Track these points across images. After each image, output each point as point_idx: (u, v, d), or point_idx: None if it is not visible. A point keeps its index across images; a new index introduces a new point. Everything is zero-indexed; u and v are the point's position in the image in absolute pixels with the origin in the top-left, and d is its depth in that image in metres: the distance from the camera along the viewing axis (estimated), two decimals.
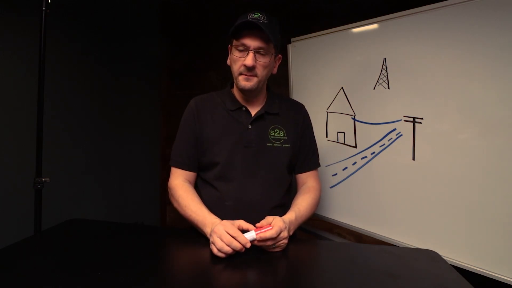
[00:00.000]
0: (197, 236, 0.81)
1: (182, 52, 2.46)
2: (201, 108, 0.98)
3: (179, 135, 0.99)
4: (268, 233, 0.72)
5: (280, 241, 0.75)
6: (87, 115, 1.83)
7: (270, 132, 0.95)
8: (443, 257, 0.76)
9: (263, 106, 0.98)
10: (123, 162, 2.15)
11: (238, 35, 0.87)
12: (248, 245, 0.71)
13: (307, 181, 1.02)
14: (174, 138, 1.00)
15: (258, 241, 0.73)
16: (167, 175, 0.98)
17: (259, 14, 0.87)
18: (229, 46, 0.93)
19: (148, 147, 2.40)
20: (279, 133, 0.96)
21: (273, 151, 0.94)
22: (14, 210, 1.38)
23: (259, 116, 0.95)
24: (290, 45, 1.52)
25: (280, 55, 0.97)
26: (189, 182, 0.96)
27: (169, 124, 2.50)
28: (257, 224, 0.77)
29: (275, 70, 0.98)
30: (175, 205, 0.92)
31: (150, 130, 2.43)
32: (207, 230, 0.78)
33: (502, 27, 0.86)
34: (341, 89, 1.29)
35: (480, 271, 0.90)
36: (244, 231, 0.74)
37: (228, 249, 0.69)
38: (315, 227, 1.49)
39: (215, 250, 0.71)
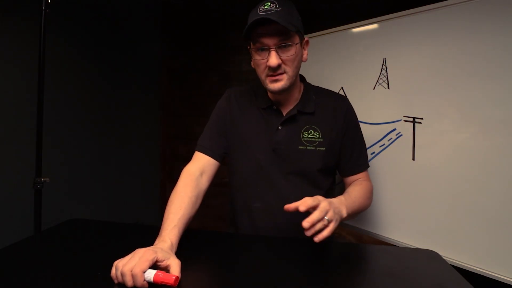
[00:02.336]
0: (197, 236, 0.81)
1: (182, 52, 2.46)
2: (236, 103, 0.92)
3: (210, 122, 0.94)
4: (315, 215, 0.64)
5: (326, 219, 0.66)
6: (87, 115, 1.83)
7: (303, 134, 0.87)
8: (443, 257, 0.76)
9: (296, 105, 0.89)
10: (123, 162, 2.15)
11: (253, 36, 0.79)
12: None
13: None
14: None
15: (306, 229, 0.63)
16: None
17: (269, 4, 0.77)
18: (248, 47, 0.84)
19: (148, 147, 2.40)
20: (313, 135, 0.87)
21: (305, 154, 0.87)
22: (14, 210, 1.38)
23: (290, 116, 0.87)
24: None
25: (307, 39, 0.87)
26: (205, 173, 0.86)
27: (169, 124, 2.50)
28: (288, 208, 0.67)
29: (305, 57, 0.87)
30: (172, 192, 0.80)
31: (150, 130, 2.43)
32: (156, 241, 0.66)
33: (502, 27, 0.86)
34: (341, 89, 1.29)
35: (480, 271, 0.90)
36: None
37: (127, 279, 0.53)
38: None
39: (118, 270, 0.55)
